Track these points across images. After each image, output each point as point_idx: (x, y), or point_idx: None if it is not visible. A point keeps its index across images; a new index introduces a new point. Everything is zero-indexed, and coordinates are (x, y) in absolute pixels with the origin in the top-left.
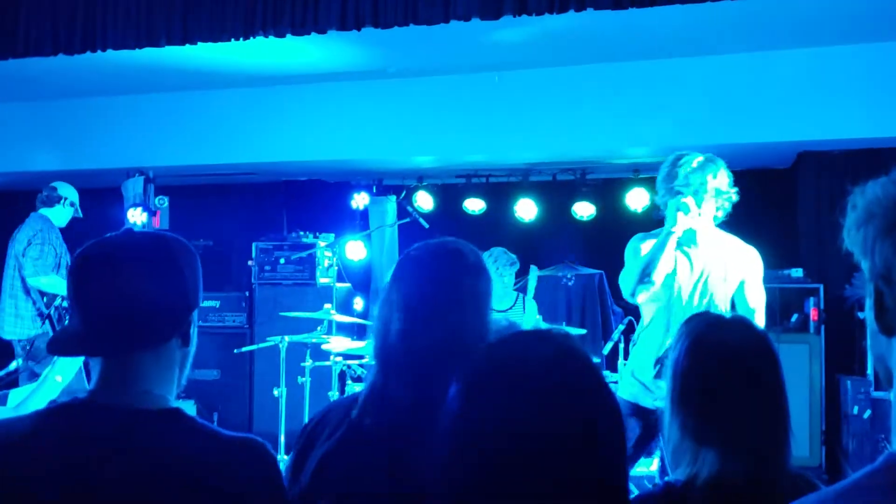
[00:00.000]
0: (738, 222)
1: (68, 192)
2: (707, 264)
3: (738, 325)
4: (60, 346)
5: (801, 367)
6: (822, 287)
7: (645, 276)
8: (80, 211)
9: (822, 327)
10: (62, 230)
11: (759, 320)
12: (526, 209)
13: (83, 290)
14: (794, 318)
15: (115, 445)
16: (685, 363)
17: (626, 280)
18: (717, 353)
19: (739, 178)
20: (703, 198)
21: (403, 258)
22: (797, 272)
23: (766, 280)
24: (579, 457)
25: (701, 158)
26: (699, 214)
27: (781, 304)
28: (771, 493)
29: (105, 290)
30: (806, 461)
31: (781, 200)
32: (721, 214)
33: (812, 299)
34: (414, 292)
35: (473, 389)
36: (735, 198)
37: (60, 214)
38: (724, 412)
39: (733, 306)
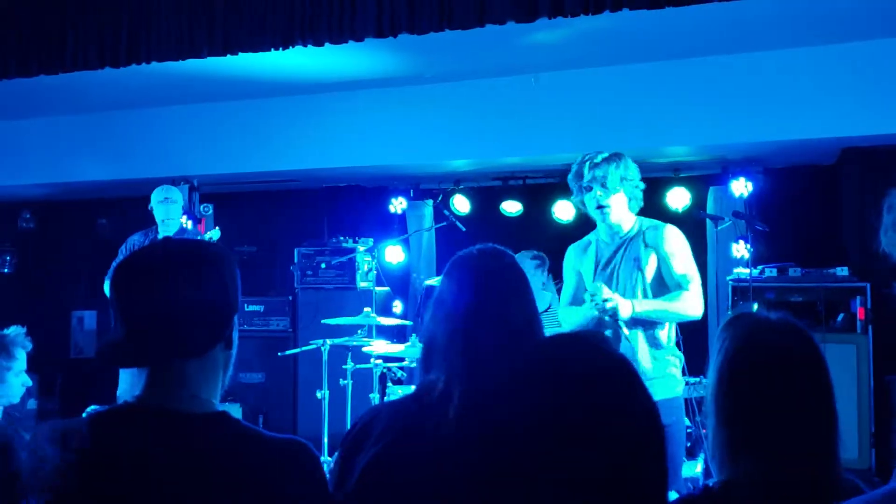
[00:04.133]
0: (781, 219)
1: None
2: (618, 255)
3: (784, 326)
4: (107, 356)
5: (848, 367)
6: (868, 286)
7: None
8: (159, 210)
9: (870, 327)
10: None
11: (694, 289)
12: (564, 210)
13: (125, 300)
14: (841, 317)
15: (164, 449)
16: (730, 366)
17: (565, 319)
18: (764, 356)
19: (782, 174)
20: (612, 189)
21: (450, 266)
22: (842, 271)
23: (811, 279)
24: (617, 459)
25: (605, 153)
26: (609, 207)
27: (827, 303)
28: (815, 497)
29: (147, 300)
30: (855, 463)
31: (825, 197)
32: (634, 203)
33: (858, 298)
34: (464, 297)
35: (513, 391)
36: (642, 185)
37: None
38: (771, 416)
39: (660, 284)
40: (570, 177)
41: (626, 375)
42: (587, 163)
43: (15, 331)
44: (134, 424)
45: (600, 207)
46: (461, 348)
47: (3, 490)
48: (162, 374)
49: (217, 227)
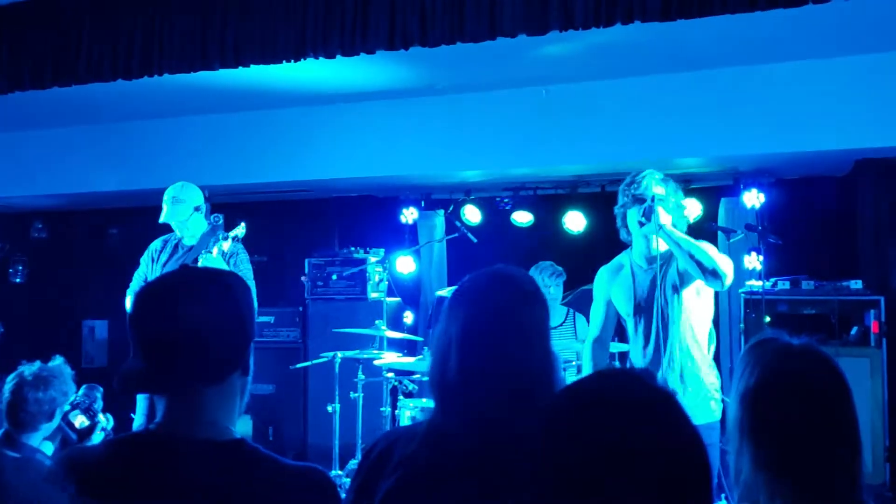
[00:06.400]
0: (794, 231)
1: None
2: (657, 290)
3: (808, 353)
4: (126, 383)
5: (862, 381)
6: (882, 299)
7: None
8: (165, 212)
9: (884, 340)
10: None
11: (724, 265)
12: (574, 221)
13: (143, 328)
14: (854, 331)
15: (182, 476)
16: (755, 393)
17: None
18: (789, 384)
19: (795, 185)
20: (661, 207)
21: (458, 289)
22: (856, 284)
23: (825, 292)
24: (666, 499)
25: (659, 175)
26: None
27: (840, 316)
28: None
29: (165, 328)
30: (869, 478)
31: (839, 209)
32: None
33: (873, 311)
34: (472, 326)
35: (556, 429)
36: (688, 220)
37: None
38: (794, 443)
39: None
40: (622, 185)
41: (673, 411)
42: (647, 177)
43: (60, 361)
44: (151, 451)
45: (643, 223)
46: (473, 386)
47: None
48: (181, 401)
49: (242, 224)
